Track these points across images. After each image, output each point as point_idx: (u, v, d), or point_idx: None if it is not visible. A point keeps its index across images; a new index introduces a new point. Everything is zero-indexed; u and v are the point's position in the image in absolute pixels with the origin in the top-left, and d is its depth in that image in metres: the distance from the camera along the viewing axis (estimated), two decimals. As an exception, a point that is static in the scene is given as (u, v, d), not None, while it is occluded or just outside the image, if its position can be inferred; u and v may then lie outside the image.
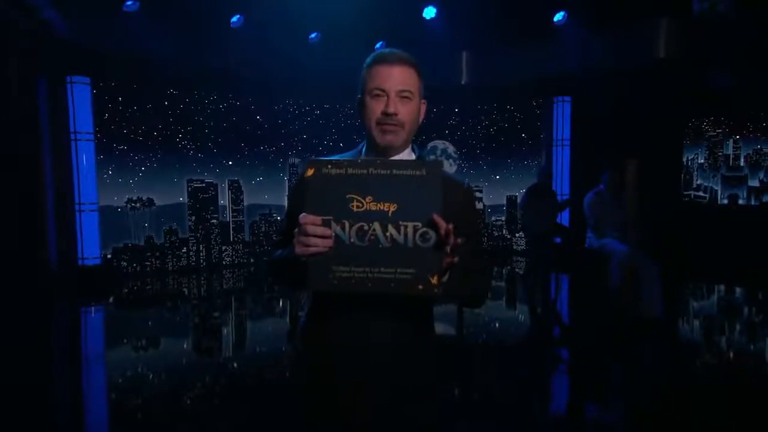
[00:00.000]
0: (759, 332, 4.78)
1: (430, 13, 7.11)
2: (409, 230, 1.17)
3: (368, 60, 1.43)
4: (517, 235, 9.27)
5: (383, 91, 1.37)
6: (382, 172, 1.17)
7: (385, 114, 1.37)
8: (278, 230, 1.55)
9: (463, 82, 8.99)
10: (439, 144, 9.53)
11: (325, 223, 1.18)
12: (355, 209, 1.17)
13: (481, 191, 9.67)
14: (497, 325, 5.00)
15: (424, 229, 1.17)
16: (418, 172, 1.17)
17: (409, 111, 1.40)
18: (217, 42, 7.10)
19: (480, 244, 1.58)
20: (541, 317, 5.39)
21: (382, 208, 1.17)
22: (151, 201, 7.34)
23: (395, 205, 1.17)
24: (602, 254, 4.64)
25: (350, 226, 1.18)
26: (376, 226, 1.17)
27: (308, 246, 1.17)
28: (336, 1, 6.24)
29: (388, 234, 1.17)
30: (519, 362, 4.05)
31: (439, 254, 1.17)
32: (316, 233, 1.17)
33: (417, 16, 7.15)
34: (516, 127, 9.44)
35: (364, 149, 1.49)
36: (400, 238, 1.17)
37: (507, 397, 3.37)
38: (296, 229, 1.19)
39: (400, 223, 1.17)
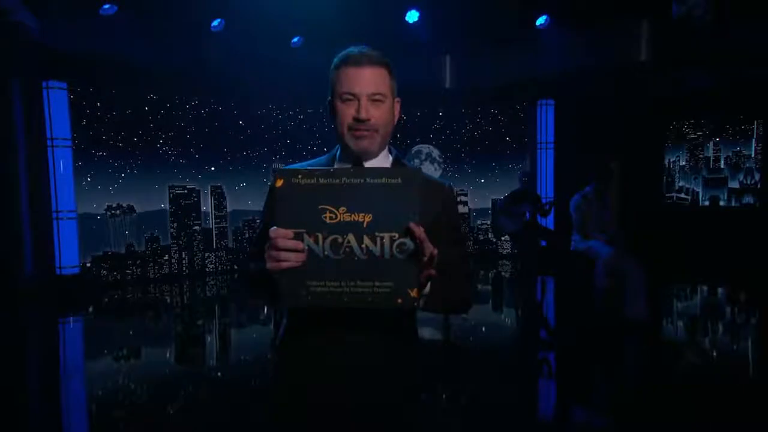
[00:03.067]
0: (741, 333, 4.82)
1: (413, 16, 7.09)
2: (386, 241, 1.12)
3: (336, 61, 1.36)
4: (502, 239, 9.27)
5: (353, 95, 1.31)
6: (356, 181, 1.11)
7: (357, 120, 1.31)
8: (252, 241, 1.46)
9: (446, 86, 8.99)
10: (424, 148, 9.52)
11: (297, 236, 1.11)
12: (328, 221, 1.11)
13: (466, 195, 9.67)
14: (483, 329, 4.97)
15: (401, 239, 1.12)
16: (393, 180, 1.11)
17: (381, 114, 1.33)
18: (198, 46, 7.00)
19: (464, 248, 1.53)
20: (526, 320, 5.37)
21: (356, 219, 1.11)
22: (131, 208, 7.20)
23: (370, 215, 1.11)
24: (588, 256, 4.64)
25: (324, 239, 1.12)
26: (351, 238, 1.12)
27: (280, 261, 1.11)
28: (318, 5, 6.18)
29: (363, 246, 1.12)
30: (504, 365, 4.02)
31: (417, 265, 1.12)
32: (288, 247, 1.11)
33: (400, 19, 7.13)
34: (500, 131, 9.46)
35: (338, 154, 1.43)
36: (377, 250, 1.12)
37: (492, 401, 3.33)
38: (267, 244, 1.13)
39: (376, 234, 1.12)
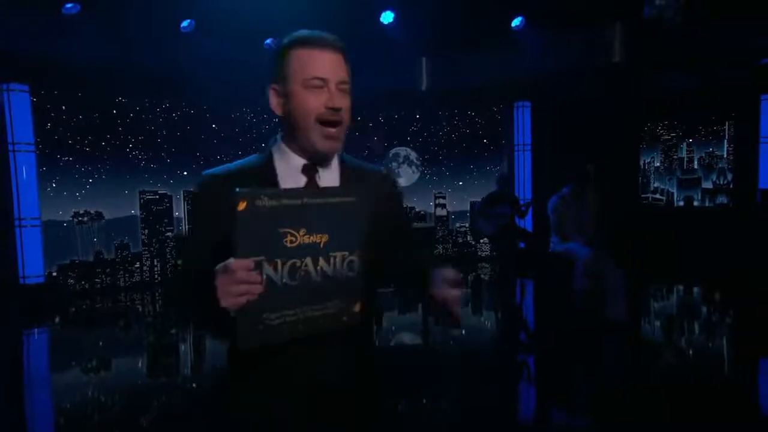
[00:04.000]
0: (717, 332, 4.82)
1: (387, 17, 7.02)
2: (338, 260, 1.07)
3: (288, 41, 1.17)
4: (481, 241, 9.24)
5: (323, 80, 1.13)
6: (317, 201, 1.03)
7: (332, 109, 1.12)
8: (184, 255, 1.27)
9: (423, 88, 8.93)
10: (401, 151, 9.45)
11: (257, 266, 0.98)
12: (288, 245, 1.01)
13: (444, 198, 9.62)
14: (463, 332, 4.90)
15: (351, 257, 1.07)
16: (348, 199, 1.05)
17: (348, 107, 1.18)
18: (167, 47, 6.80)
19: (411, 234, 1.46)
20: (505, 323, 5.32)
21: (314, 240, 1.04)
22: (99, 215, 6.97)
23: (326, 235, 1.04)
24: (566, 258, 4.60)
25: (282, 265, 1.01)
26: (308, 261, 1.03)
27: (240, 296, 0.95)
28: (292, 6, 6.06)
29: (318, 267, 1.05)
30: (482, 369, 3.94)
31: (362, 282, 1.08)
32: (249, 279, 0.95)
33: (375, 20, 7.05)
34: (478, 133, 9.44)
35: (278, 155, 1.21)
36: (330, 270, 1.06)
37: (470, 404, 3.25)
38: (219, 277, 0.96)
39: (330, 254, 1.05)
